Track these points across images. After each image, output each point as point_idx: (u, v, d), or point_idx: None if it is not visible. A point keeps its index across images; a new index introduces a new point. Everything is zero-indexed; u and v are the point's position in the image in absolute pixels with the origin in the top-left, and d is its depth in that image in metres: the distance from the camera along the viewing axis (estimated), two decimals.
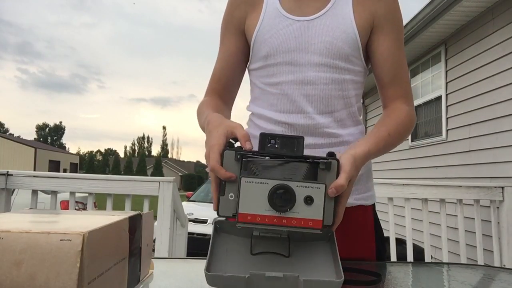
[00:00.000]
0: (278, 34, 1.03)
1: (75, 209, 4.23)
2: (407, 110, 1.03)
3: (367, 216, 1.07)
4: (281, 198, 0.67)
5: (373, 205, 1.10)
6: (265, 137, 0.73)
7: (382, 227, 1.12)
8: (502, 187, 3.08)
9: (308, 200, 0.68)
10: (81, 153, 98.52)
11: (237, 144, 0.81)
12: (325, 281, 0.67)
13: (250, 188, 0.68)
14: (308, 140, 1.02)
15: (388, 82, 1.04)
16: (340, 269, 0.69)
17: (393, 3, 1.05)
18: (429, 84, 5.63)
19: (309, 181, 0.69)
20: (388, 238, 3.09)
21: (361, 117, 1.12)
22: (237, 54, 1.11)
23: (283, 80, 1.03)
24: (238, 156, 0.74)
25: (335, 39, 1.01)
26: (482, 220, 3.17)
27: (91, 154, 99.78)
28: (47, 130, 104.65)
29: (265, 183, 0.67)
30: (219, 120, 0.85)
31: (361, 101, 1.12)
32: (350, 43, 1.01)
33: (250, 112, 1.14)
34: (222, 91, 1.13)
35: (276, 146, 0.73)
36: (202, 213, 6.92)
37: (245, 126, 1.14)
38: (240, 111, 1.27)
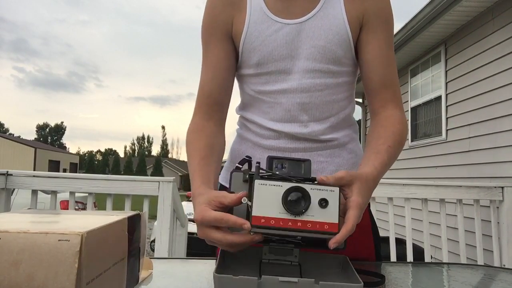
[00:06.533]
0: (268, 41, 0.97)
1: (75, 209, 4.23)
2: (400, 116, 0.98)
3: (364, 216, 1.07)
4: (296, 200, 0.66)
5: (368, 204, 1.09)
6: (272, 160, 0.73)
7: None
8: (502, 187, 3.08)
9: (323, 203, 0.66)
10: (81, 153, 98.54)
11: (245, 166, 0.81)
12: (345, 285, 0.65)
13: (264, 190, 0.66)
14: (304, 144, 1.00)
15: (377, 82, 0.98)
16: (356, 276, 0.68)
17: (384, 1, 1.00)
18: (429, 84, 5.63)
19: (323, 185, 0.68)
20: (386, 237, 3.09)
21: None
22: (227, 59, 1.02)
23: (276, 89, 0.99)
24: (247, 177, 0.73)
25: (328, 42, 0.96)
26: (482, 220, 3.17)
27: (91, 154, 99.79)
28: (47, 130, 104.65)
29: (279, 185, 0.67)
30: (199, 194, 0.80)
31: (354, 100, 1.09)
32: (343, 45, 0.97)
33: (240, 115, 1.10)
34: (214, 106, 1.03)
35: (283, 169, 0.73)
36: None
37: (236, 127, 1.11)
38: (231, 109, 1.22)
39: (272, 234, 0.67)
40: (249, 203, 0.67)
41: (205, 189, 0.81)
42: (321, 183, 0.70)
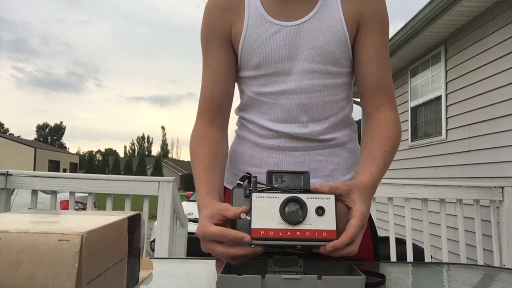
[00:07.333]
0: (267, 43, 0.98)
1: (75, 209, 4.22)
2: (394, 118, 0.98)
3: None
4: (293, 210, 0.67)
5: None
6: (272, 175, 0.75)
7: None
8: (502, 187, 3.08)
9: (320, 211, 0.68)
10: (81, 153, 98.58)
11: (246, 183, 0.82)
12: (349, 278, 0.66)
13: (262, 203, 0.68)
14: (303, 143, 1.01)
15: (372, 84, 0.99)
16: (358, 271, 0.69)
17: (380, 3, 1.01)
18: (429, 84, 5.63)
19: (318, 194, 0.70)
20: (386, 237, 3.10)
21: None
22: (228, 65, 1.03)
23: (275, 90, 0.99)
24: (248, 192, 0.74)
25: (326, 43, 0.97)
26: (482, 220, 3.17)
27: (91, 154, 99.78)
28: (47, 130, 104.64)
29: (276, 197, 0.68)
30: (203, 205, 0.82)
31: (352, 100, 1.09)
32: (341, 46, 0.98)
33: (239, 116, 1.10)
34: (216, 111, 1.04)
35: (283, 182, 0.75)
36: None
37: (235, 127, 1.11)
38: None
39: (272, 245, 0.68)
40: (248, 217, 0.69)
41: (210, 200, 0.82)
42: (315, 191, 0.71)
